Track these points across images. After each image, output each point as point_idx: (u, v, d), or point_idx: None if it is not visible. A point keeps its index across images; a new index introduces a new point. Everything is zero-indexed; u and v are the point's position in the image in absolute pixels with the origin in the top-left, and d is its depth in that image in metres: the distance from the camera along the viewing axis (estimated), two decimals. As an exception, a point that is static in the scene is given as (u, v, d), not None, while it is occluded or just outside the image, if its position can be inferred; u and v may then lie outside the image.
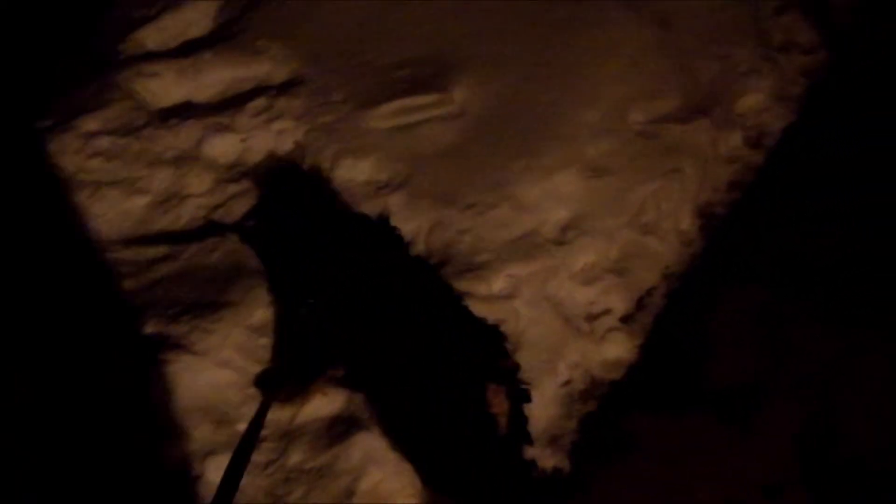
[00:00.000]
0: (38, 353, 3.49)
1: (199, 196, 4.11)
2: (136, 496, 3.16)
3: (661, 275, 3.97)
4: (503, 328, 3.41)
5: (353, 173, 4.13)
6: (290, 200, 4.05)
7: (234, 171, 4.21)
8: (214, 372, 3.40)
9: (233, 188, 4.13)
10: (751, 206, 4.26)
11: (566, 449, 3.48)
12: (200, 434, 3.27)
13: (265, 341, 3.51)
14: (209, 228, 3.99)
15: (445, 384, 2.99)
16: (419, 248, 3.84)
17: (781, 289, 3.93)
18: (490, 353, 3.08)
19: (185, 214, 4.05)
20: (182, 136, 4.27)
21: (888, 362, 3.62)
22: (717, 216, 4.22)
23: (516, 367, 3.09)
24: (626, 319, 3.81)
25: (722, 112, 4.44)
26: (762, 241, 4.14)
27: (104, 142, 4.19)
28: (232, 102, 4.45)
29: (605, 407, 3.62)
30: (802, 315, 3.82)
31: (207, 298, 3.61)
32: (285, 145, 4.29)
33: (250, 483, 2.67)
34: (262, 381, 3.40)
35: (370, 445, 3.23)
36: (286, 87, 4.48)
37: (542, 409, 3.46)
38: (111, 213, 4.00)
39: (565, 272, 3.81)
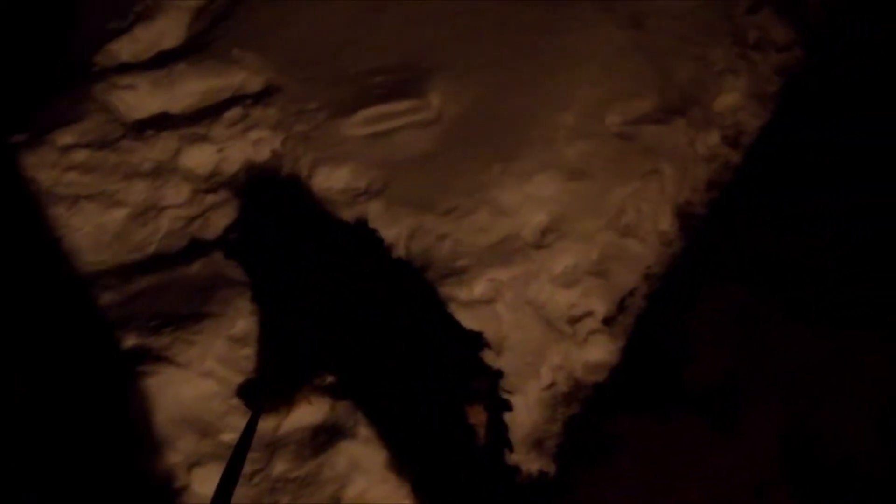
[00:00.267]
0: (38, 354, 3.48)
1: (177, 207, 4.09)
2: None
3: (641, 276, 3.97)
4: (485, 333, 3.42)
5: (330, 181, 4.13)
6: (269, 209, 4.04)
7: (212, 182, 4.20)
8: (197, 383, 3.39)
9: (211, 198, 4.11)
10: (730, 206, 4.28)
11: (551, 452, 3.48)
12: (185, 445, 3.25)
13: (247, 351, 3.50)
14: (188, 240, 3.98)
15: (429, 391, 2.99)
16: (399, 254, 3.84)
17: (759, 288, 3.94)
18: (464, 371, 3.08)
19: (164, 226, 4.03)
20: (158, 148, 4.25)
21: (878, 363, 3.64)
22: (697, 216, 4.24)
23: (498, 375, 3.09)
24: (607, 321, 3.81)
25: (699, 112, 4.46)
26: (740, 240, 4.15)
27: (80, 155, 4.16)
28: (208, 113, 4.44)
29: (589, 409, 3.62)
30: (779, 314, 3.84)
31: (188, 309, 3.60)
32: (262, 154, 4.28)
33: (236, 493, 2.67)
34: (245, 392, 3.38)
35: (355, 453, 3.23)
36: (262, 97, 4.47)
37: (526, 413, 3.47)
38: (89, 226, 3.98)
39: (546, 275, 3.81)
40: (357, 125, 4.28)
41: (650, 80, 4.49)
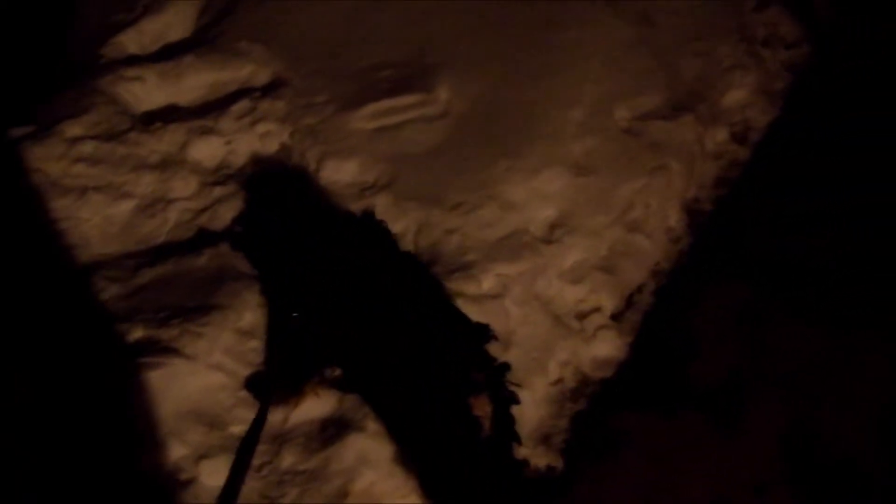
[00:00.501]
0: (41, 350, 3.47)
1: (184, 200, 4.09)
2: (130, 500, 3.15)
3: (649, 272, 3.98)
4: (493, 328, 3.43)
5: (338, 174, 4.13)
6: (277, 202, 4.04)
7: (220, 174, 4.20)
8: (205, 375, 3.39)
9: (218, 191, 4.11)
10: (736, 203, 4.28)
11: (558, 447, 3.49)
12: (193, 437, 3.25)
13: (255, 344, 3.50)
14: (195, 232, 3.98)
15: (437, 384, 3.00)
16: (407, 248, 3.83)
17: (762, 286, 3.94)
18: (467, 364, 3.09)
19: (171, 218, 4.03)
20: (166, 140, 4.25)
21: (879, 363, 3.64)
22: (704, 212, 4.24)
23: (505, 367, 3.10)
24: (615, 317, 3.82)
25: (707, 108, 4.45)
26: (745, 237, 4.16)
27: (88, 147, 4.15)
28: (215, 105, 4.44)
29: (596, 405, 3.63)
30: (781, 314, 3.84)
31: (196, 302, 3.59)
32: (270, 147, 4.28)
33: (244, 485, 2.68)
34: (253, 384, 3.39)
35: (363, 447, 3.23)
36: (269, 90, 4.47)
37: (534, 408, 3.48)
38: (96, 217, 3.98)
39: (554, 270, 3.81)
40: (365, 119, 4.28)
41: (657, 75, 4.48)
